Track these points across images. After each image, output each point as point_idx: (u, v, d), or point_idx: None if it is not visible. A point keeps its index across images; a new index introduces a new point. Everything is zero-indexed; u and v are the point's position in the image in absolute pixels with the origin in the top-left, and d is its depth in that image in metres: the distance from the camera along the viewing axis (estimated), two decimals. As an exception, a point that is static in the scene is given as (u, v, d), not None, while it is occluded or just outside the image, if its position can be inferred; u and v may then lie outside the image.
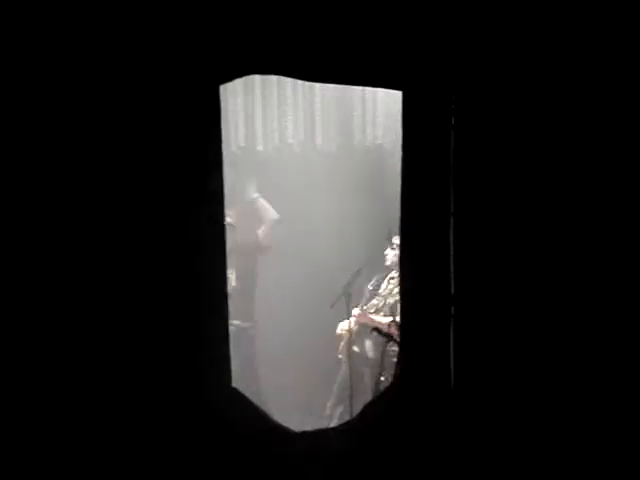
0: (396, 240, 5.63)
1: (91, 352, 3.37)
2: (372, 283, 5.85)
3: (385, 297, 5.69)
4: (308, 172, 6.12)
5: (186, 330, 3.50)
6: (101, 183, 3.35)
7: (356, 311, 5.68)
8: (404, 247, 3.75)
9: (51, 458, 3.34)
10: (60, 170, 3.29)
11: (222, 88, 3.56)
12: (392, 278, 5.70)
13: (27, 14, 3.20)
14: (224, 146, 3.58)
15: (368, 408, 3.95)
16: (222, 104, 3.58)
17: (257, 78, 5.95)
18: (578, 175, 3.57)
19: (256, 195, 5.96)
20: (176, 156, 3.43)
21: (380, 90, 5.83)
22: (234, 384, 3.68)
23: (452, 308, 3.67)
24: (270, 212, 5.95)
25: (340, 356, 5.78)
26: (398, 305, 5.40)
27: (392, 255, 5.69)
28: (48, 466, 3.34)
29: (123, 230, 3.39)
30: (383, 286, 5.77)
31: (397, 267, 5.50)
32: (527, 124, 3.55)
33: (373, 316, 5.60)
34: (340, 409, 5.65)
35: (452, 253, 3.64)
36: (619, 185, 3.56)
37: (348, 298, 5.62)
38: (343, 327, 5.70)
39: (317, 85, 6.00)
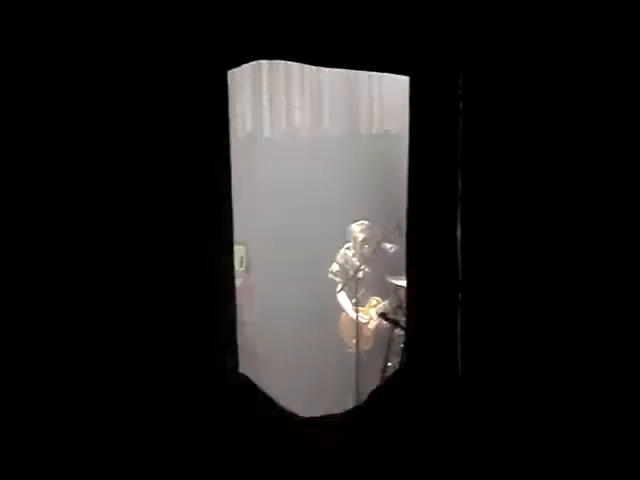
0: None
1: (102, 337, 3.39)
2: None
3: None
4: (315, 158, 6.11)
5: (193, 316, 3.51)
6: (107, 170, 3.35)
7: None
8: (411, 233, 3.74)
9: (60, 434, 3.37)
10: (65, 159, 3.30)
11: (229, 73, 3.56)
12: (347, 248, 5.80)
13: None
14: (231, 132, 3.58)
15: (374, 394, 3.96)
16: (229, 90, 3.58)
17: (264, 64, 5.94)
18: (586, 162, 3.56)
19: None
20: (183, 141, 3.43)
21: (387, 76, 5.81)
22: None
23: (459, 294, 3.67)
24: None
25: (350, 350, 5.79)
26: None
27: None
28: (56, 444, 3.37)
29: (129, 217, 3.39)
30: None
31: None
32: (536, 109, 3.54)
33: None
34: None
35: (459, 239, 3.64)
36: (629, 172, 3.55)
37: (356, 285, 5.64)
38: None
39: (324, 71, 5.99)
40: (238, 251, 5.60)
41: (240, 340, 3.63)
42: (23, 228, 3.29)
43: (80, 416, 3.38)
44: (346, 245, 5.93)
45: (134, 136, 3.36)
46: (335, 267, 5.92)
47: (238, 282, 5.50)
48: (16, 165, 3.25)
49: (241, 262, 5.79)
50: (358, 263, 5.72)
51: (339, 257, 5.93)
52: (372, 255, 5.67)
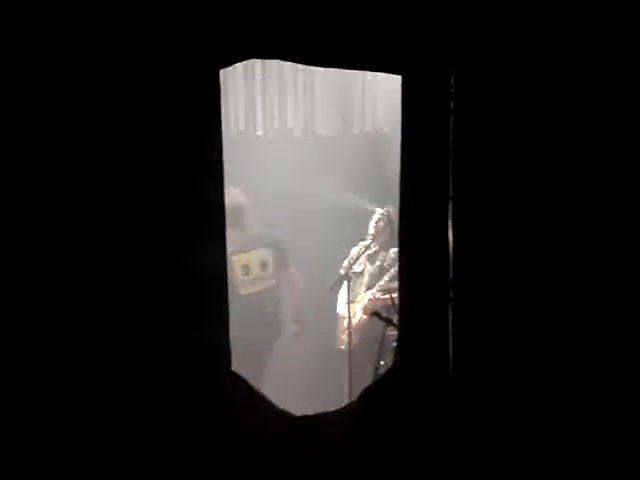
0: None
1: (91, 337, 3.40)
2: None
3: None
4: (308, 157, 6.12)
5: (185, 313, 3.51)
6: (96, 169, 3.35)
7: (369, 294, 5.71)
8: (403, 231, 3.76)
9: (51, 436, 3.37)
10: (55, 159, 3.29)
11: (222, 72, 3.56)
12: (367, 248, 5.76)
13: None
14: (224, 130, 3.58)
15: (367, 392, 3.97)
16: (222, 88, 3.58)
17: (257, 62, 5.95)
18: (578, 160, 3.57)
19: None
20: (175, 140, 3.43)
21: (381, 75, 5.83)
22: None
23: (451, 292, 3.68)
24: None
25: (342, 347, 5.78)
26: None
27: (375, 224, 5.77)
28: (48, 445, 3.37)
29: (117, 216, 3.39)
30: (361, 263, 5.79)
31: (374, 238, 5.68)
32: (527, 108, 3.55)
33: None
34: None
35: (451, 237, 3.65)
36: (620, 174, 3.56)
37: (349, 281, 5.65)
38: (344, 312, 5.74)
39: (317, 70, 6.00)
40: (261, 255, 5.58)
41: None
42: (14, 226, 3.29)
43: (73, 413, 3.39)
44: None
45: (125, 135, 3.36)
46: (346, 262, 5.91)
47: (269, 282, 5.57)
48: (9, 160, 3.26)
49: (263, 266, 5.64)
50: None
51: (352, 252, 5.91)
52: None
